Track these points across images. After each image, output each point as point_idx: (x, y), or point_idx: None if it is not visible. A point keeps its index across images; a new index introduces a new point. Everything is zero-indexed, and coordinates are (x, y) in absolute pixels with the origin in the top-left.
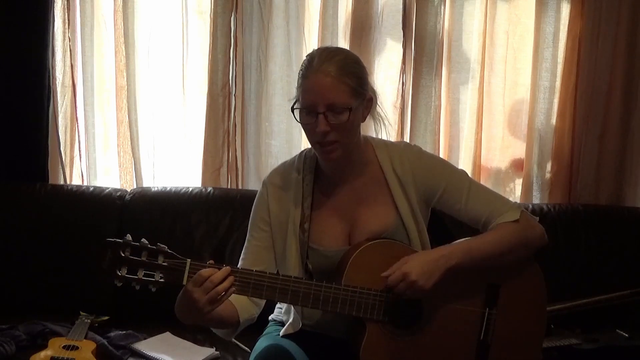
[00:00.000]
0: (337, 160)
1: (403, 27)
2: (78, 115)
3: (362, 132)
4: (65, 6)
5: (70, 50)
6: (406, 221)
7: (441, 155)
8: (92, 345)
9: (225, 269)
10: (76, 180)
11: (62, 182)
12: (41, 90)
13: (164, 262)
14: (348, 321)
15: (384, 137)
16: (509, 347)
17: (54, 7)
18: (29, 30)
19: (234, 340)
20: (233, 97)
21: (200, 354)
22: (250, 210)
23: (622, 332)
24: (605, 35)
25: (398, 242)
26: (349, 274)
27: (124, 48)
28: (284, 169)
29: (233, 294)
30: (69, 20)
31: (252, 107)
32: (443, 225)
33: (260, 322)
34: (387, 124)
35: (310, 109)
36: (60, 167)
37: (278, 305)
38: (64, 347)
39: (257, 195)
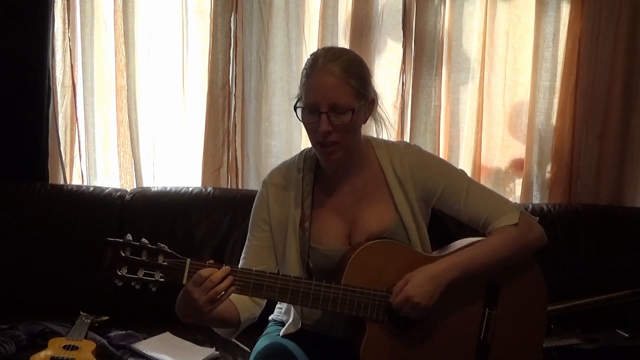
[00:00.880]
0: (338, 162)
1: (403, 27)
2: (78, 115)
3: (362, 132)
4: (65, 6)
5: (70, 50)
6: (406, 221)
7: (441, 155)
8: (92, 345)
9: (225, 268)
10: (76, 180)
11: (62, 182)
12: (41, 90)
13: (164, 261)
14: (348, 321)
15: (385, 138)
16: (509, 347)
17: (54, 7)
18: (29, 30)
19: (234, 340)
20: (233, 97)
21: (200, 354)
22: (251, 210)
23: (622, 332)
24: (605, 35)
25: (398, 242)
26: (349, 274)
27: (124, 48)
28: (284, 168)
29: (234, 294)
30: (69, 20)
31: (252, 107)
32: (443, 225)
33: (260, 322)
34: (388, 125)
35: (313, 108)
36: (60, 167)
37: (278, 305)
38: (64, 347)
39: (257, 195)
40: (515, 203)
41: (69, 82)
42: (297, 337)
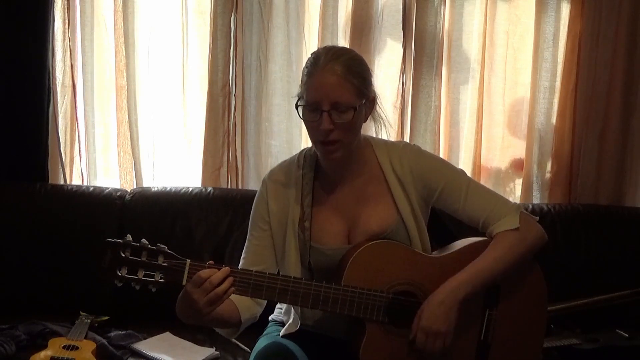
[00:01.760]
0: (339, 161)
1: (403, 27)
2: (78, 115)
3: (362, 132)
4: (65, 6)
5: (70, 50)
6: (406, 220)
7: (441, 155)
8: (92, 345)
9: (225, 269)
10: (76, 180)
11: (62, 182)
12: (41, 90)
13: (163, 262)
14: (348, 321)
15: (384, 138)
16: (509, 347)
17: (54, 7)
18: (29, 30)
19: (234, 340)
20: (233, 97)
21: (200, 354)
22: (250, 210)
23: (622, 332)
24: (605, 35)
25: (398, 242)
26: (349, 274)
27: (124, 48)
28: (284, 167)
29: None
30: (69, 20)
31: (252, 107)
32: (443, 225)
33: (261, 322)
34: (387, 125)
35: (315, 106)
36: (60, 167)
37: (278, 305)
38: (64, 347)
39: (256, 194)
40: (515, 203)
41: (69, 82)
42: (297, 337)
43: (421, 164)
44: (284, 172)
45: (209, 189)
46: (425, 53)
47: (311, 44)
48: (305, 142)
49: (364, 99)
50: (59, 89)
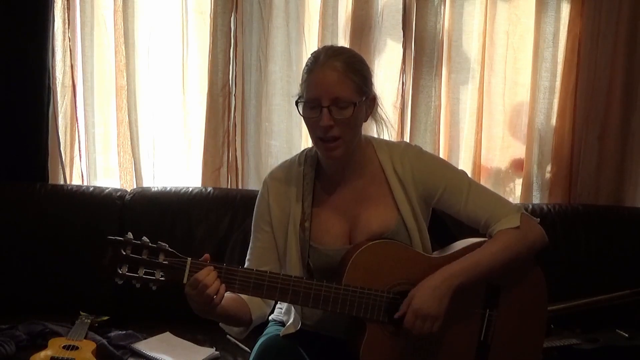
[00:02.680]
0: (339, 159)
1: (403, 27)
2: (78, 115)
3: (363, 133)
4: (65, 6)
5: (70, 50)
6: (407, 221)
7: (441, 155)
8: (92, 345)
9: (208, 268)
10: (76, 180)
11: (62, 182)
12: (41, 90)
13: (164, 260)
14: (348, 321)
15: (385, 138)
16: (509, 347)
17: (54, 7)
18: (29, 30)
19: (233, 340)
20: (233, 97)
21: (200, 354)
22: (250, 210)
23: (622, 332)
24: (605, 35)
25: (399, 243)
26: (350, 274)
27: (124, 48)
28: (285, 167)
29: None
30: (69, 20)
31: (252, 107)
32: (444, 225)
33: (261, 323)
34: (388, 125)
35: (315, 102)
36: (60, 167)
37: (278, 305)
38: (64, 347)
39: (258, 196)
40: (516, 204)
41: (69, 82)
42: (297, 337)
43: (422, 165)
44: (284, 173)
45: (209, 189)
46: (425, 53)
47: (311, 44)
48: (306, 143)
49: (364, 97)
50: (59, 89)
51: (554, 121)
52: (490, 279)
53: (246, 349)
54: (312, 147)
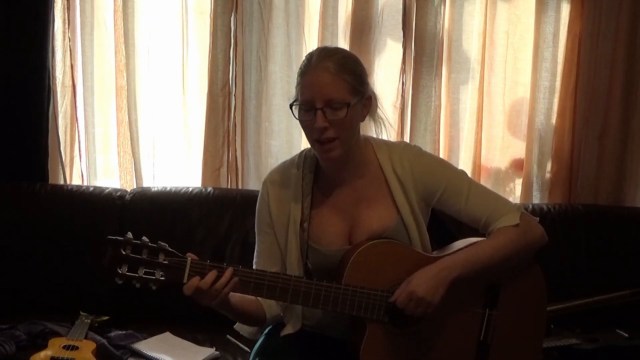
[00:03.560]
0: (337, 159)
1: (403, 27)
2: (78, 115)
3: (362, 133)
4: (65, 6)
5: (70, 50)
6: (407, 221)
7: (441, 155)
8: (92, 345)
9: (212, 273)
10: (76, 180)
11: (62, 182)
12: (41, 90)
13: (164, 260)
14: (348, 321)
15: (385, 138)
16: (509, 347)
17: (54, 7)
18: (29, 30)
19: (233, 340)
20: (233, 97)
21: (200, 354)
22: (250, 210)
23: (622, 332)
24: (605, 35)
25: (399, 242)
26: (350, 274)
27: (124, 48)
28: (284, 167)
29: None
30: (69, 20)
31: (252, 107)
32: (443, 225)
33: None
34: (387, 126)
35: (309, 105)
36: (60, 167)
37: None
38: (64, 347)
39: (258, 198)
40: (516, 203)
41: (69, 82)
42: (297, 337)
43: (422, 165)
44: (283, 173)
45: (209, 189)
46: (425, 53)
47: (311, 44)
48: (306, 143)
49: (359, 96)
50: (59, 89)
51: (554, 121)
52: (489, 275)
53: (246, 349)
54: (311, 147)
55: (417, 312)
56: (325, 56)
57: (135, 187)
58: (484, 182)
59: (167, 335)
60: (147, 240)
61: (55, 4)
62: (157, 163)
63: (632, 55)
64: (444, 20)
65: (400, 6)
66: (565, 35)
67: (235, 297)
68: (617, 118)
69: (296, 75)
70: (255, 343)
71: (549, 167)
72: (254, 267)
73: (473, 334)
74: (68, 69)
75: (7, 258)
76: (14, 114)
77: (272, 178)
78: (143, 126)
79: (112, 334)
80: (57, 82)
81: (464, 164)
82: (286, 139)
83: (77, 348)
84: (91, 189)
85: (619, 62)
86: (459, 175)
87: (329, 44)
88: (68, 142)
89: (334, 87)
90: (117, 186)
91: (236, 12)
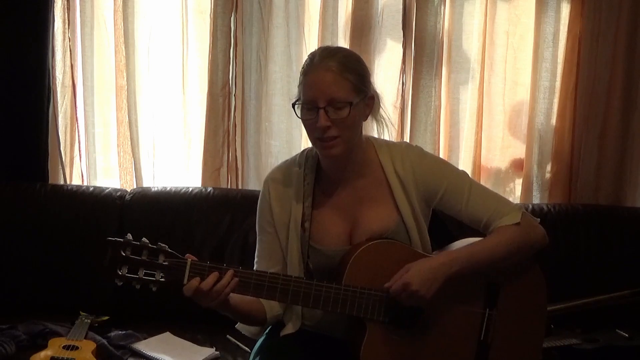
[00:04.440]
0: (338, 157)
1: (403, 27)
2: (78, 115)
3: (363, 133)
4: (65, 6)
5: (70, 50)
6: (407, 221)
7: (441, 156)
8: (92, 345)
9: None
10: (76, 180)
11: (62, 182)
12: (41, 90)
13: (164, 261)
14: (348, 321)
15: (386, 139)
16: (509, 347)
17: (54, 7)
18: (29, 30)
19: (233, 340)
20: (233, 97)
21: (200, 354)
22: (250, 210)
23: (622, 332)
24: (605, 35)
25: (399, 242)
26: (350, 274)
27: (124, 48)
28: (285, 165)
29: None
30: (69, 20)
31: (252, 107)
32: (443, 225)
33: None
34: (389, 126)
35: (312, 104)
36: (60, 167)
37: None
38: (64, 347)
39: (259, 197)
40: (517, 204)
41: (69, 82)
42: (297, 337)
43: (423, 166)
44: (285, 173)
45: (209, 189)
46: (425, 53)
47: (311, 44)
48: (306, 142)
49: (361, 95)
50: (59, 89)
51: (554, 121)
52: (488, 273)
53: (246, 349)
54: (312, 147)
55: (410, 303)
56: (327, 55)
57: (135, 187)
58: (484, 182)
59: (167, 335)
60: (147, 241)
61: (55, 4)
62: (157, 163)
63: (632, 55)
64: (444, 20)
65: (400, 6)
66: (565, 35)
67: (235, 297)
68: (617, 118)
69: (296, 75)
70: (255, 343)
71: (549, 167)
72: (255, 267)
73: (473, 333)
74: (68, 69)
75: (7, 258)
76: (14, 114)
77: (274, 176)
78: (143, 126)
79: (112, 334)
80: (57, 82)
81: (464, 164)
82: (286, 139)
83: (77, 348)
84: (91, 189)
85: (619, 62)
86: (460, 176)
87: (329, 44)
88: (68, 142)
89: (337, 87)
90: (117, 186)
91: (236, 12)
